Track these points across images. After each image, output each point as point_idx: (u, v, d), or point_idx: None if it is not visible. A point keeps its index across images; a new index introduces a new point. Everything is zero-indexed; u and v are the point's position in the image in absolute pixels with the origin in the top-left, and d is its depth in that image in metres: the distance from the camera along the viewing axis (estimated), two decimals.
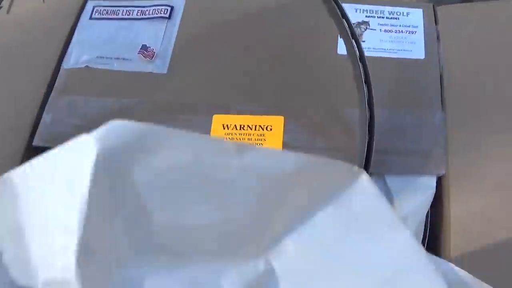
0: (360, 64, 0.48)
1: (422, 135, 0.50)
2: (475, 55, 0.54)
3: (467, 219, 0.46)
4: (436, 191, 0.49)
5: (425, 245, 0.49)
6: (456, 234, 0.46)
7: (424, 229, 0.48)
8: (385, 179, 0.49)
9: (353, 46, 0.49)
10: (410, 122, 0.51)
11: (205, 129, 0.51)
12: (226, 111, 0.52)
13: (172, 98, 0.54)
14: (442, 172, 0.49)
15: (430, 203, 0.48)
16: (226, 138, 0.51)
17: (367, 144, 0.45)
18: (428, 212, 0.49)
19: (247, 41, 0.56)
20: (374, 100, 0.50)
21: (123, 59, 0.57)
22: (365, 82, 0.47)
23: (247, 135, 0.51)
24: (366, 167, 0.45)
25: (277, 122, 0.51)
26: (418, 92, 0.52)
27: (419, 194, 0.48)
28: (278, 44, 0.56)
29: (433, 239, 0.49)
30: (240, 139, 0.50)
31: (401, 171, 0.49)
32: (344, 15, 0.53)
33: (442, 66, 0.53)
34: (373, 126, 0.46)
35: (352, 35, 0.51)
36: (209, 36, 0.57)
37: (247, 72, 0.55)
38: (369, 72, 0.50)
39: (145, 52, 0.58)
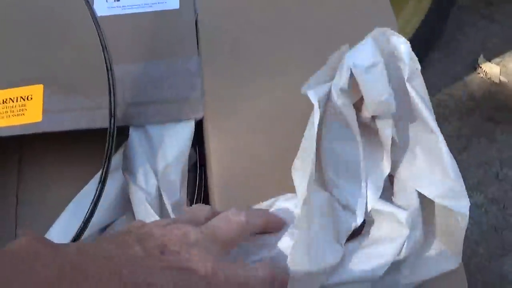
0: (96, 26, 0.49)
1: (178, 82, 0.52)
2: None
3: (226, 157, 0.48)
4: (199, 134, 0.51)
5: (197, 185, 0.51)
6: (217, 174, 0.48)
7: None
8: (147, 130, 0.51)
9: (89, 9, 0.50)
10: (166, 71, 0.53)
11: None
12: None
13: None
14: (199, 115, 0.51)
15: (189, 147, 0.50)
16: None
17: (109, 101, 0.46)
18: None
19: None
20: (129, 56, 0.52)
21: None
22: (101, 44, 0.48)
23: (10, 107, 0.51)
24: (112, 122, 0.46)
25: (36, 90, 0.52)
26: (174, 41, 0.54)
27: (179, 140, 0.50)
28: (37, 16, 0.56)
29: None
30: (3, 112, 0.51)
31: (160, 120, 0.51)
32: None
33: (197, 13, 0.55)
34: (114, 86, 0.47)
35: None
36: None
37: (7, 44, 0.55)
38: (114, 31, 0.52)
39: None
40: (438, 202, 0.38)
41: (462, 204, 0.37)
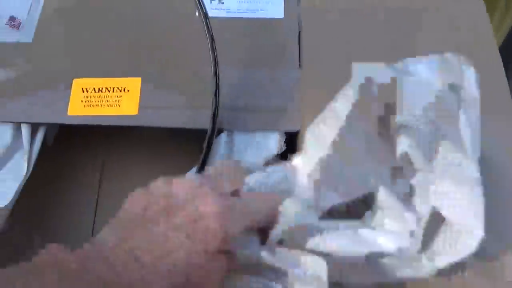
0: (205, 27, 0.48)
1: (277, 93, 0.51)
2: (333, 14, 0.55)
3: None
4: (290, 146, 0.50)
5: None
6: None
7: None
8: (233, 135, 0.50)
9: (200, 8, 0.49)
10: (266, 80, 0.52)
11: (66, 92, 0.51)
12: (86, 74, 0.52)
13: (36, 64, 0.54)
14: (296, 128, 0.49)
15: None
16: (85, 101, 0.51)
17: (213, 104, 0.45)
18: None
19: (108, 10, 0.57)
20: (230, 60, 0.51)
21: None
22: (210, 45, 0.47)
23: (105, 97, 0.51)
24: (213, 123, 0.45)
25: (134, 83, 0.51)
26: (276, 51, 0.53)
27: (260, 150, 0.49)
28: (135, 10, 0.56)
29: None
30: (98, 101, 0.50)
31: (256, 128, 0.49)
32: None
33: (301, 25, 0.54)
34: (218, 89, 0.46)
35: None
36: (72, 7, 0.58)
37: (108, 37, 0.55)
38: (228, 34, 0.53)
39: (12, 23, 0.58)
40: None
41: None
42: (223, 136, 0.49)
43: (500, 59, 0.51)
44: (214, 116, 0.46)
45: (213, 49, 0.46)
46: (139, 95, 0.50)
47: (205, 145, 0.46)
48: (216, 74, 0.46)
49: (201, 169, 0.44)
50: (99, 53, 0.54)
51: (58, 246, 0.30)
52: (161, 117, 0.49)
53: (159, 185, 0.34)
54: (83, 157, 0.57)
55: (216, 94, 0.46)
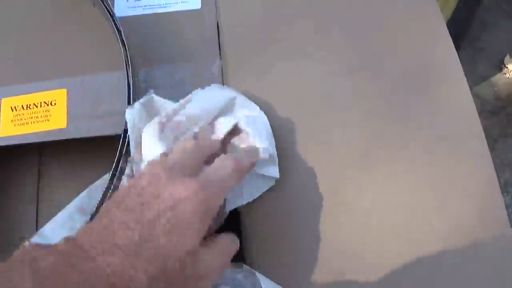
0: (114, 27, 0.49)
1: (201, 86, 0.51)
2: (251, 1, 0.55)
3: None
4: None
5: None
6: None
7: None
8: None
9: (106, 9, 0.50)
10: (190, 75, 0.52)
11: None
12: (13, 93, 0.53)
13: None
14: None
15: None
16: (15, 119, 0.51)
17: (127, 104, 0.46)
18: None
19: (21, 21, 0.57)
20: (151, 58, 0.52)
21: None
22: (121, 42, 0.48)
23: (35, 113, 0.51)
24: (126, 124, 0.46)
25: (60, 95, 0.52)
26: (196, 43, 0.54)
27: None
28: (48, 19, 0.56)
29: None
30: (28, 118, 0.51)
31: None
32: None
33: (219, 13, 0.54)
34: (131, 86, 0.47)
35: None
36: None
37: (29, 50, 0.55)
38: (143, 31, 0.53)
39: None
40: None
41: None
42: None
43: (448, 34, 0.52)
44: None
45: (126, 55, 0.46)
46: (66, 107, 0.51)
47: (118, 150, 0.46)
48: (127, 74, 0.46)
49: (115, 170, 0.45)
50: (20, 68, 0.54)
51: (34, 244, 0.31)
52: (89, 127, 0.50)
53: (130, 181, 0.35)
54: (19, 164, 0.58)
55: (129, 95, 0.46)
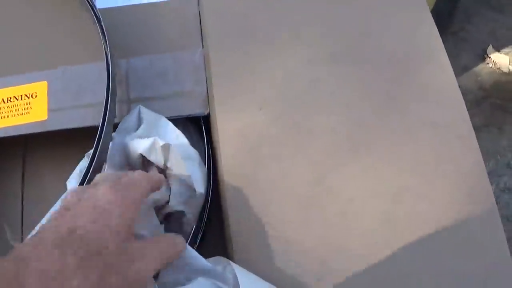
0: (94, 16, 0.48)
1: (184, 77, 0.51)
2: None
3: (234, 138, 0.48)
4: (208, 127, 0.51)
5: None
6: (225, 155, 0.47)
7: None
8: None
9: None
10: (171, 65, 0.52)
11: None
12: None
13: None
14: (205, 111, 0.51)
15: None
16: None
17: (105, 97, 0.45)
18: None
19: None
20: (131, 49, 0.51)
21: None
22: (102, 38, 0.47)
23: (15, 106, 0.51)
24: (104, 116, 0.45)
25: (41, 88, 0.51)
26: (178, 33, 0.53)
27: None
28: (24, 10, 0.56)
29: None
30: (8, 111, 0.50)
31: (167, 115, 0.50)
32: None
33: (201, 3, 0.54)
34: (112, 79, 0.46)
35: None
36: None
37: (7, 43, 0.54)
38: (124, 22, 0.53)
39: None
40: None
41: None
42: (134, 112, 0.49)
43: (432, 19, 0.52)
44: (106, 108, 0.46)
45: (106, 45, 0.46)
46: (47, 99, 0.50)
47: (95, 141, 0.45)
48: (107, 64, 0.46)
49: (92, 161, 0.44)
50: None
51: None
52: (70, 119, 0.49)
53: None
54: (3, 160, 0.57)
55: (108, 86, 0.46)
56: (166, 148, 0.44)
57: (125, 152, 0.48)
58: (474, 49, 1.61)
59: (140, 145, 0.45)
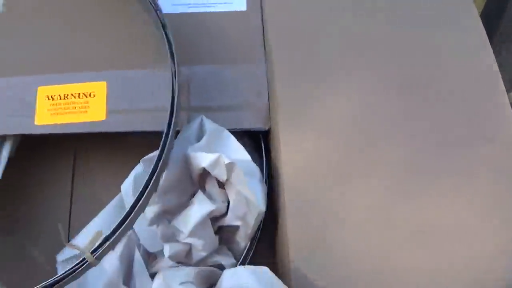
0: (160, 26, 0.48)
1: (243, 90, 0.51)
2: (297, 3, 0.54)
3: (296, 159, 0.47)
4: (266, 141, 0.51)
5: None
6: (287, 175, 0.47)
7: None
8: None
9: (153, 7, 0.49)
10: (233, 77, 0.51)
11: (31, 101, 0.50)
12: (50, 82, 0.51)
13: None
14: (266, 126, 0.50)
15: None
16: (51, 109, 0.50)
17: (170, 104, 0.45)
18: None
19: (65, 13, 0.56)
20: (194, 58, 0.51)
21: None
22: (168, 45, 0.47)
23: (72, 103, 0.50)
24: (169, 125, 0.45)
25: (100, 88, 0.51)
26: (241, 45, 0.53)
27: None
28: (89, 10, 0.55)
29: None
30: (65, 108, 0.50)
31: (226, 126, 0.49)
32: None
33: (265, 16, 0.53)
34: (176, 87, 0.46)
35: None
36: (30, 10, 0.56)
37: (69, 42, 0.54)
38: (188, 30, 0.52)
39: None
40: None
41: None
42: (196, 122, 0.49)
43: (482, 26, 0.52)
44: (171, 115, 0.45)
45: (172, 54, 0.46)
46: (105, 99, 0.50)
47: (160, 146, 0.45)
48: (174, 73, 0.46)
49: (156, 165, 0.44)
50: (60, 57, 0.53)
51: None
52: (128, 122, 0.49)
53: None
54: (55, 153, 0.57)
55: (173, 93, 0.46)
56: (230, 166, 0.44)
57: (186, 162, 0.47)
58: None
59: (204, 159, 0.45)
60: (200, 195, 0.47)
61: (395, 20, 0.53)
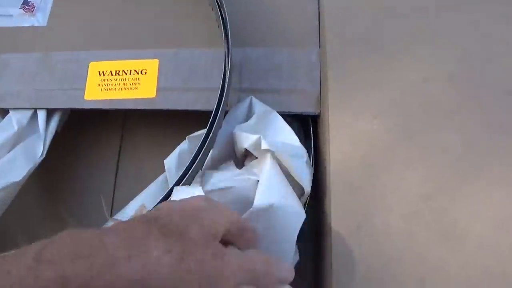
0: (216, 6, 0.47)
1: (296, 74, 0.50)
2: None
3: (345, 145, 0.46)
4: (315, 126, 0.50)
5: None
6: (335, 161, 0.45)
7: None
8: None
9: None
10: (286, 61, 0.50)
11: (82, 76, 0.50)
12: (103, 57, 0.51)
13: (51, 48, 0.53)
14: (316, 111, 0.49)
15: None
16: (102, 84, 0.50)
17: (221, 84, 0.44)
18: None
19: None
20: (248, 40, 0.50)
21: (5, 15, 0.56)
22: (222, 25, 0.46)
23: (123, 80, 0.50)
24: (219, 104, 0.44)
25: (151, 65, 0.50)
26: (295, 29, 0.52)
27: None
28: None
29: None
30: (115, 84, 0.50)
31: (277, 109, 0.48)
32: None
33: (321, 1, 0.53)
34: (228, 68, 0.45)
35: None
36: None
37: (123, 19, 0.54)
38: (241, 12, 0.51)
39: (26, 7, 0.57)
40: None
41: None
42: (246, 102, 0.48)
43: None
44: (221, 95, 0.44)
45: (227, 34, 0.45)
46: (157, 77, 0.49)
47: (209, 124, 0.44)
48: (228, 54, 0.45)
49: (202, 145, 0.43)
50: (114, 35, 0.53)
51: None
52: (179, 100, 0.48)
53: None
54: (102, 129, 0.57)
55: (225, 73, 0.45)
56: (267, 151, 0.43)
57: (232, 141, 0.46)
58: None
59: (246, 140, 0.44)
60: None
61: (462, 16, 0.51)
